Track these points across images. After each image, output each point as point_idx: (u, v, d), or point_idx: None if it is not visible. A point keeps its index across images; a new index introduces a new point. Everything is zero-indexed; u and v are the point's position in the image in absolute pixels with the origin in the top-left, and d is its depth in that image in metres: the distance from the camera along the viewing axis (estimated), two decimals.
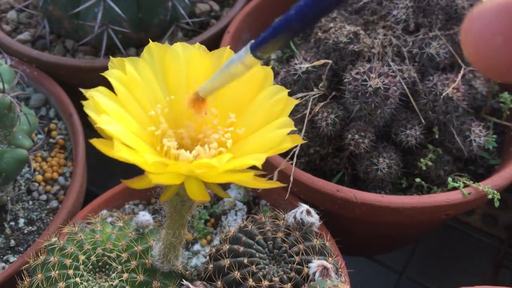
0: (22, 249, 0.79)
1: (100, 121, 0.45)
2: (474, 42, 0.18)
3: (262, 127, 0.50)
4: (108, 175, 1.15)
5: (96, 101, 0.47)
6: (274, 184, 0.49)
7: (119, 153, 0.43)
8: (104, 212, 0.82)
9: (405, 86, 0.79)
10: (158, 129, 0.50)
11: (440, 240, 1.16)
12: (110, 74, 0.50)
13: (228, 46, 0.54)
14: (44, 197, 0.85)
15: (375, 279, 1.12)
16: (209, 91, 0.48)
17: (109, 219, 0.80)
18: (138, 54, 1.01)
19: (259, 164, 0.44)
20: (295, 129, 0.49)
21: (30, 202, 0.84)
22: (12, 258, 0.78)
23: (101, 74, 0.49)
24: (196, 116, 0.52)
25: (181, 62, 0.53)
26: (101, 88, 0.48)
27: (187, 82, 0.53)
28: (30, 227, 0.81)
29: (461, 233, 1.16)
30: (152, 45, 0.53)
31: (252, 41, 0.42)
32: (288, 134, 0.48)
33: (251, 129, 0.51)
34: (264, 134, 0.50)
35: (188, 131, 0.53)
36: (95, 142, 0.45)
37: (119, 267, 0.61)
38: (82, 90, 0.48)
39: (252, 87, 0.52)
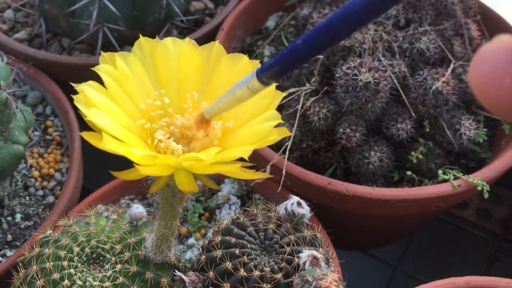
0: (19, 244, 0.80)
1: (90, 114, 0.46)
2: (482, 84, 0.18)
3: (250, 120, 0.51)
4: (104, 172, 1.15)
5: (87, 95, 0.48)
6: (262, 175, 0.50)
7: (108, 145, 0.44)
8: (100, 206, 0.83)
9: (395, 81, 0.80)
10: (148, 122, 0.51)
11: (435, 234, 1.17)
12: (101, 69, 0.51)
13: (218, 41, 0.55)
14: (40, 192, 0.86)
15: (370, 273, 1.13)
16: (214, 113, 0.49)
17: (104, 214, 0.81)
18: None
19: (245, 156, 0.45)
20: (282, 121, 0.50)
21: (27, 198, 0.85)
22: (9, 253, 0.79)
23: (92, 69, 0.50)
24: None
25: (171, 57, 0.55)
26: (91, 83, 0.50)
27: (177, 76, 0.55)
28: (27, 222, 0.82)
29: (455, 228, 1.17)
30: (142, 40, 0.54)
31: (259, 66, 0.44)
32: (276, 127, 0.49)
33: (240, 122, 0.52)
34: (252, 127, 0.51)
35: (179, 123, 0.54)
36: (85, 134, 0.46)
37: (113, 258, 0.62)
38: (73, 84, 0.49)
39: None
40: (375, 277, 1.13)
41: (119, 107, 0.51)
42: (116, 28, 0.96)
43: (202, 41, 0.99)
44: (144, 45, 0.54)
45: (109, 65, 0.52)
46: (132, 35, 1.01)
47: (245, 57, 0.54)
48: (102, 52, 0.52)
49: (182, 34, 1.05)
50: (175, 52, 0.55)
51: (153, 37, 1.04)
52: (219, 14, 1.05)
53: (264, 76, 0.42)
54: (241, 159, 0.47)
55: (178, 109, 0.54)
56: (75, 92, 0.49)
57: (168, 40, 0.55)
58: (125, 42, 1.02)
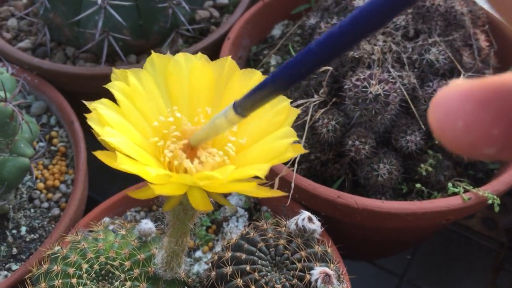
0: (24, 257, 0.79)
1: (104, 133, 0.46)
2: (439, 126, 0.21)
3: (264, 137, 0.51)
4: (108, 181, 1.15)
5: (100, 113, 0.47)
6: (277, 193, 0.49)
7: (123, 165, 0.44)
8: (106, 219, 0.82)
9: (405, 92, 0.79)
10: (161, 139, 0.50)
11: (440, 243, 1.17)
12: (113, 86, 0.50)
13: (230, 56, 0.54)
14: (45, 204, 0.85)
15: (375, 283, 1.13)
16: (198, 141, 0.49)
17: (111, 227, 0.80)
18: (138, 61, 1.01)
19: (262, 174, 0.44)
20: (298, 139, 0.49)
21: (32, 210, 0.84)
22: (14, 266, 0.78)
23: (105, 86, 0.49)
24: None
25: (183, 73, 0.54)
26: (104, 100, 0.49)
27: (189, 92, 0.54)
28: (32, 235, 0.82)
29: (461, 237, 1.16)
30: (154, 56, 0.53)
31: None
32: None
33: (253, 139, 0.51)
34: (267, 144, 0.50)
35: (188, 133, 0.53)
36: (98, 154, 0.46)
37: (122, 275, 0.62)
38: (86, 102, 0.48)
39: None
40: (381, 287, 1.12)
41: (132, 124, 0.50)
42: (122, 37, 0.96)
43: (208, 50, 0.99)
44: (156, 61, 0.53)
45: (121, 81, 0.51)
46: (138, 44, 1.00)
47: (257, 73, 0.53)
48: (114, 68, 0.51)
49: (187, 43, 1.04)
50: (187, 68, 0.54)
51: (158, 46, 1.04)
52: (224, 23, 1.04)
53: (239, 106, 0.41)
54: (255, 176, 0.46)
55: (192, 124, 0.53)
56: (83, 103, 0.48)
57: (180, 56, 0.54)
58: (130, 51, 1.01)
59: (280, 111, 0.51)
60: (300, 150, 0.49)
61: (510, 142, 0.19)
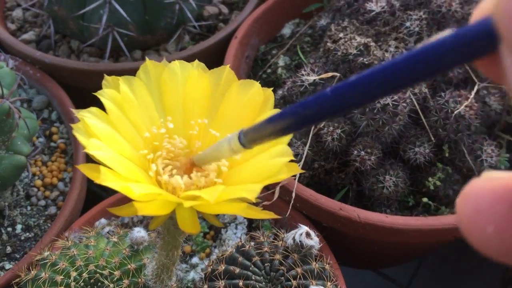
0: (18, 256, 0.78)
1: (89, 145, 0.43)
2: (467, 225, 0.18)
3: (259, 153, 0.48)
4: None
5: (87, 123, 0.45)
6: (268, 215, 0.47)
7: (105, 181, 0.41)
8: (103, 220, 0.80)
9: (415, 102, 0.76)
10: (151, 152, 0.48)
11: (447, 254, 1.14)
12: (103, 94, 0.48)
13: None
14: (42, 202, 0.84)
15: None
16: (201, 161, 0.47)
17: (107, 228, 0.79)
18: (143, 56, 0.99)
19: (252, 197, 0.42)
20: (294, 158, 0.47)
21: (28, 208, 0.83)
22: (8, 265, 0.77)
23: (94, 93, 0.47)
24: (194, 141, 0.50)
25: (179, 82, 0.51)
26: (93, 109, 0.46)
27: (184, 102, 0.51)
28: (27, 234, 0.80)
29: (469, 248, 1.13)
30: (148, 63, 0.51)
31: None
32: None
33: (249, 155, 0.49)
34: (261, 161, 0.47)
35: (185, 154, 0.51)
36: (82, 167, 0.44)
37: (111, 285, 0.60)
38: (74, 110, 0.46)
39: (252, 110, 0.50)
40: None
41: (121, 135, 0.48)
42: (126, 32, 0.93)
43: (215, 48, 0.96)
44: (150, 69, 0.51)
45: (112, 89, 0.49)
46: (143, 40, 0.97)
47: (256, 84, 0.50)
48: (105, 75, 0.49)
49: (194, 40, 1.02)
50: (182, 77, 0.51)
51: (164, 42, 1.01)
52: (233, 21, 1.01)
53: (244, 137, 0.39)
54: None
55: (184, 136, 0.51)
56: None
57: (176, 64, 0.51)
58: (135, 47, 0.99)
59: None
60: (295, 170, 0.47)
61: None
